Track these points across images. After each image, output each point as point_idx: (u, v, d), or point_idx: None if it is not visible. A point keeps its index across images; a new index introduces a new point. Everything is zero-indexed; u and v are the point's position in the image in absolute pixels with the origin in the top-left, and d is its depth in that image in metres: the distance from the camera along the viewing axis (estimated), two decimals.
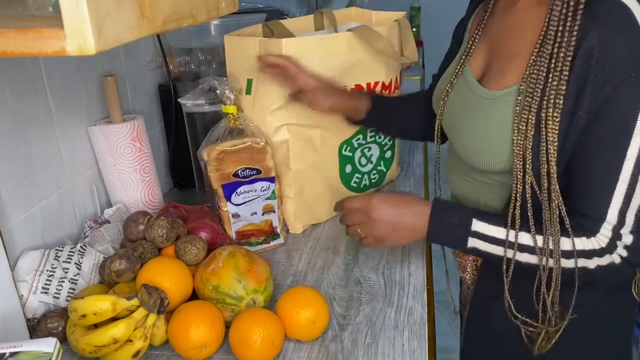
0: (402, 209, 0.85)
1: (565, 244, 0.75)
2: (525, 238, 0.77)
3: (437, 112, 0.94)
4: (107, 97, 1.03)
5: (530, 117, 0.74)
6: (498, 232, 0.79)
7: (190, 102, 1.15)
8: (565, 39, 0.70)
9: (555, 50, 0.71)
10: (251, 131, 1.03)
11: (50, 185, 0.93)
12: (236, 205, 1.02)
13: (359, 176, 1.20)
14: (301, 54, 0.99)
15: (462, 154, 0.86)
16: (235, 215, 1.02)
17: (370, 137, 1.19)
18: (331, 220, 1.17)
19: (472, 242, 0.79)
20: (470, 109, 0.84)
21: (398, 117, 1.10)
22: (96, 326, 0.75)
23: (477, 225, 0.79)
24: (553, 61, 0.71)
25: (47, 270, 0.84)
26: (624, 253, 0.73)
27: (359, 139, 1.16)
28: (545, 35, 0.72)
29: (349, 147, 1.15)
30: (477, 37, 0.89)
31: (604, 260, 0.74)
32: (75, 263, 0.87)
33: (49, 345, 0.56)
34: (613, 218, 0.72)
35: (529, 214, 0.76)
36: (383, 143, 1.23)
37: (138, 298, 0.75)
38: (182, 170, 1.30)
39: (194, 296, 0.84)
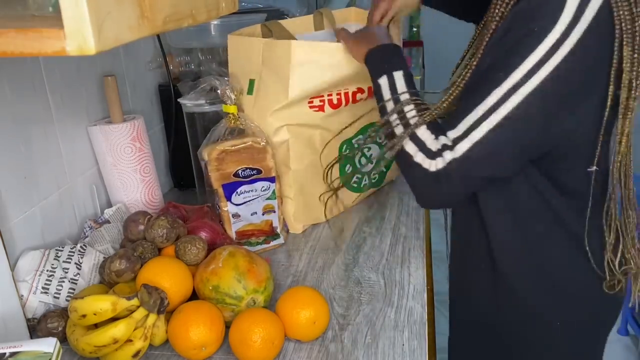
0: (381, 35, 0.94)
1: (420, 130, 0.79)
2: (410, 110, 0.82)
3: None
4: (107, 97, 1.03)
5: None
6: (402, 90, 0.84)
7: (190, 102, 1.15)
8: (499, 13, 0.77)
9: (489, 24, 0.78)
10: (252, 131, 1.03)
11: (50, 185, 0.93)
12: (236, 205, 1.02)
13: (359, 176, 1.20)
14: (308, 58, 0.99)
15: None
16: (236, 215, 1.02)
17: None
18: (331, 220, 1.17)
19: (383, 80, 0.86)
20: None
21: None
22: (96, 326, 0.75)
23: (398, 76, 0.85)
24: (485, 37, 0.78)
25: (47, 270, 0.84)
26: (440, 166, 0.75)
27: (359, 139, 1.16)
28: (490, 23, 0.79)
29: (349, 147, 1.15)
30: (480, 26, 0.95)
31: (425, 162, 0.77)
32: (75, 263, 0.87)
33: (49, 345, 0.56)
34: (452, 136, 0.76)
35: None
36: (383, 144, 1.23)
37: (138, 298, 0.75)
38: (182, 170, 1.30)
39: (194, 296, 0.84)
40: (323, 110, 1.06)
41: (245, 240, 1.04)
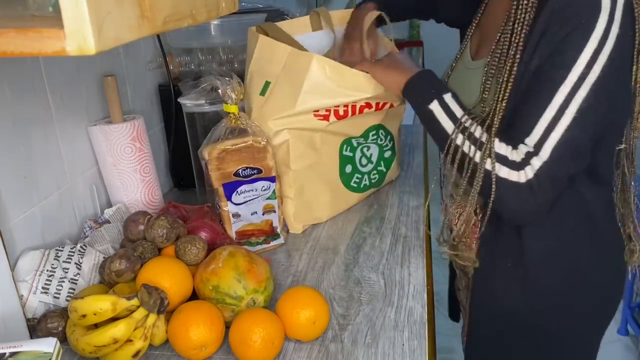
0: (407, 62, 0.97)
1: (496, 145, 0.79)
2: (475, 128, 0.83)
3: None
4: (107, 97, 1.03)
5: (492, 83, 0.83)
6: (459, 111, 0.84)
7: (190, 102, 1.15)
8: (530, 4, 0.77)
9: (521, 15, 0.78)
10: (252, 130, 1.03)
11: (50, 185, 0.93)
12: (237, 204, 1.02)
13: (359, 176, 1.20)
14: (325, 76, 0.99)
15: None
16: (236, 215, 1.02)
17: (372, 138, 1.19)
18: (331, 220, 1.17)
19: (434, 105, 0.85)
20: (459, 79, 0.93)
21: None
22: (96, 326, 0.75)
23: (448, 98, 0.85)
24: (517, 27, 0.78)
25: (47, 270, 0.84)
26: (530, 175, 0.76)
27: (359, 139, 1.16)
28: (516, 12, 0.79)
29: (349, 147, 1.15)
30: (476, 22, 0.97)
31: (513, 175, 0.77)
32: (75, 263, 0.87)
33: (49, 345, 0.56)
34: (532, 142, 0.76)
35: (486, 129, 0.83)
36: (384, 144, 1.23)
37: (138, 298, 0.75)
38: (182, 170, 1.30)
39: (194, 296, 0.84)
40: (328, 120, 1.05)
41: (245, 240, 1.04)
